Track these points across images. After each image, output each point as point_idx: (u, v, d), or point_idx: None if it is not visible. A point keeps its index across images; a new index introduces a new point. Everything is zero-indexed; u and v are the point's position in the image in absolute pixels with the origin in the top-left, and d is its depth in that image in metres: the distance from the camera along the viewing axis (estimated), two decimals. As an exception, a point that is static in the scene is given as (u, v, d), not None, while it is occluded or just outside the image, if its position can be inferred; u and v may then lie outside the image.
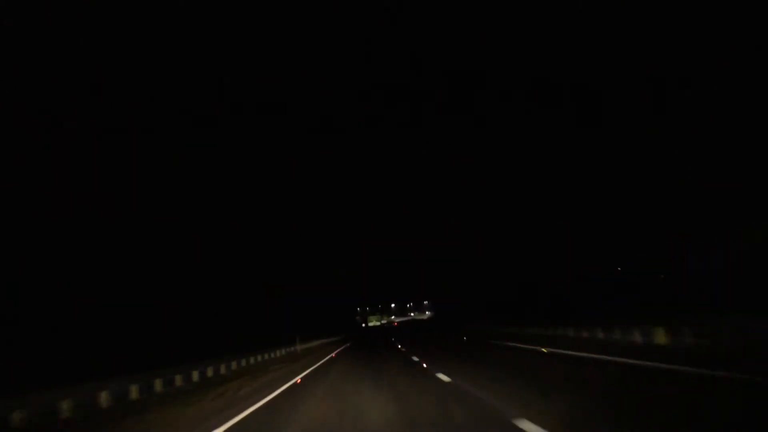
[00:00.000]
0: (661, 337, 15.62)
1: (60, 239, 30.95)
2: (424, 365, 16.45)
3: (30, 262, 28.45)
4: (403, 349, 28.08)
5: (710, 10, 32.51)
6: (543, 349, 18.73)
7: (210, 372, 19.54)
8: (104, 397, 12.05)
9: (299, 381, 15.30)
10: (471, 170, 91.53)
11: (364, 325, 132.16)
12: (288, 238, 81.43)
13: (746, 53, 30.48)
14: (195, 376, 17.83)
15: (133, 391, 13.39)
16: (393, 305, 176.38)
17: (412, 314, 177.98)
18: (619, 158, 40.76)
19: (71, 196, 32.51)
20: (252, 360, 26.36)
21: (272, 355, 31.27)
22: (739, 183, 30.71)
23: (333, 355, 29.57)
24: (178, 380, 16.24)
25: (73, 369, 16.51)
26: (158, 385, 14.73)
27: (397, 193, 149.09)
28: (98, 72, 39.72)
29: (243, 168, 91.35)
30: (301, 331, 42.78)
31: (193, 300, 40.11)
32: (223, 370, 21.00)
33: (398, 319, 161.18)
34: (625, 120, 40.67)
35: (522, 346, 22.03)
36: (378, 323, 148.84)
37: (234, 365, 23.01)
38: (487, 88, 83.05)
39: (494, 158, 73.35)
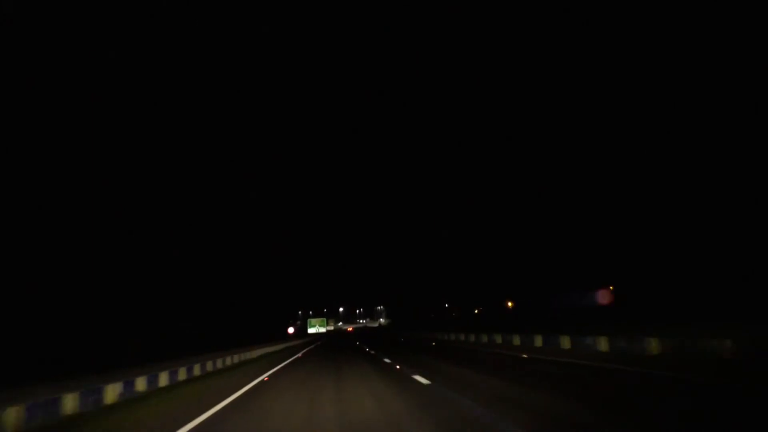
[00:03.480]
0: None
1: (60, 239, 30.98)
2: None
3: (30, 261, 28.46)
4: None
5: (710, 11, 32.54)
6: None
7: None
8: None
9: None
10: (469, 175, 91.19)
11: (292, 330, 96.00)
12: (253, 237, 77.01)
13: (746, 53, 30.50)
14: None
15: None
16: (341, 309, 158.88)
17: (362, 321, 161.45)
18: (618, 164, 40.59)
19: (71, 196, 32.55)
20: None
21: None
22: (739, 183, 30.67)
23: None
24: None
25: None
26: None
27: (386, 194, 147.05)
28: (98, 72, 39.79)
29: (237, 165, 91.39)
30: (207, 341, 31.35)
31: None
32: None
33: (350, 326, 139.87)
34: (625, 120, 40.69)
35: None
36: (323, 329, 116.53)
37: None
38: (487, 88, 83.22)
39: (494, 160, 73.09)
